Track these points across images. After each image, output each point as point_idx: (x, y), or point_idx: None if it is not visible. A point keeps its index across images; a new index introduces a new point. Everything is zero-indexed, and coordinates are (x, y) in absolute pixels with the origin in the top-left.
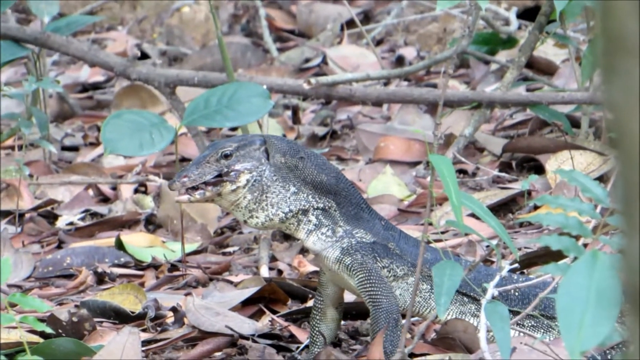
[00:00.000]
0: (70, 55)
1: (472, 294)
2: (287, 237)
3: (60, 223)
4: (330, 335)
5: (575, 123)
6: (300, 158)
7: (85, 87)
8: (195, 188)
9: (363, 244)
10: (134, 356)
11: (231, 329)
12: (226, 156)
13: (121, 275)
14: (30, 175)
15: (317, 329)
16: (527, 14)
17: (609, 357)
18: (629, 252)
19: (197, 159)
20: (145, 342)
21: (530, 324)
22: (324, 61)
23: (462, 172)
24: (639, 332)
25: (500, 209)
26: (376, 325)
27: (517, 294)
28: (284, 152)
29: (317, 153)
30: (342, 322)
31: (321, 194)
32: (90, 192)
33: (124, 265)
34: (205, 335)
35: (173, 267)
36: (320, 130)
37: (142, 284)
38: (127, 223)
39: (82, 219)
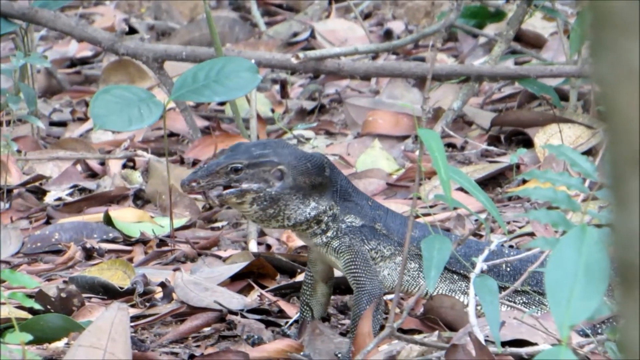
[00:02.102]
0: (58, 30)
1: (462, 271)
2: None
3: (49, 199)
4: (321, 310)
5: (563, 96)
6: (325, 177)
7: (74, 62)
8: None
9: (352, 229)
10: (122, 332)
11: (220, 304)
12: (236, 170)
13: (110, 251)
14: (19, 151)
15: (306, 303)
16: None
17: (598, 331)
18: (617, 226)
19: (210, 164)
20: (134, 318)
21: (522, 300)
22: (312, 35)
23: (450, 145)
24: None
25: (489, 182)
26: (357, 307)
27: (508, 269)
28: (310, 174)
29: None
30: (332, 297)
31: (330, 200)
32: (79, 167)
33: (113, 241)
34: (194, 310)
35: (161, 242)
36: (309, 105)
37: (130, 260)
38: (116, 198)
39: (71, 194)
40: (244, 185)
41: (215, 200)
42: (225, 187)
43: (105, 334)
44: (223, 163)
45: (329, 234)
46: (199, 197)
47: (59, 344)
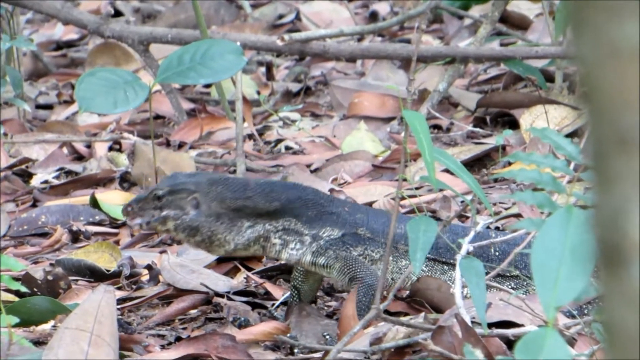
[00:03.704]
0: (44, 13)
1: (452, 260)
2: None
3: (35, 181)
4: (310, 295)
5: (549, 77)
6: (247, 198)
7: (59, 45)
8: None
9: (332, 241)
10: (109, 314)
11: (206, 287)
12: (158, 198)
13: (96, 233)
14: (5, 134)
15: (295, 287)
16: None
17: (585, 312)
18: (600, 206)
19: (144, 192)
20: (120, 300)
21: (510, 285)
22: (298, 17)
23: (436, 127)
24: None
25: (475, 164)
26: (359, 301)
27: (497, 254)
28: (224, 199)
29: (266, 180)
30: None
31: (278, 217)
32: (65, 150)
33: (99, 223)
34: (180, 292)
35: None
36: (294, 87)
37: (117, 242)
38: (102, 181)
39: (57, 177)
40: (164, 213)
41: (144, 226)
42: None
43: (92, 317)
44: (150, 190)
45: (292, 245)
46: (133, 224)
47: (46, 327)
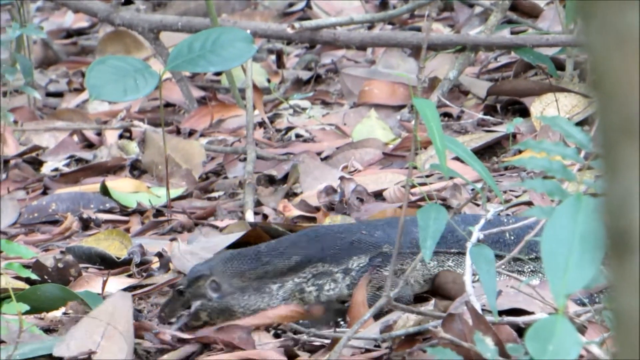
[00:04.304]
0: (54, 1)
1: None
2: (272, 182)
3: (45, 169)
4: None
5: (559, 66)
6: (265, 264)
7: (70, 33)
8: None
9: (362, 269)
10: (125, 315)
11: None
12: (181, 293)
13: (106, 221)
14: (15, 122)
15: None
16: None
17: (596, 300)
18: (608, 193)
19: (170, 295)
20: (130, 288)
21: (529, 269)
22: (308, 5)
23: (446, 115)
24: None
25: (485, 152)
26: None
27: (512, 237)
28: (243, 272)
29: (276, 240)
30: None
31: (303, 268)
32: (75, 138)
33: (109, 211)
34: None
35: (158, 212)
36: (305, 75)
37: (127, 230)
38: (112, 169)
39: (67, 164)
40: (192, 307)
41: (184, 329)
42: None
43: (108, 315)
44: (172, 290)
45: (326, 287)
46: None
47: (56, 314)
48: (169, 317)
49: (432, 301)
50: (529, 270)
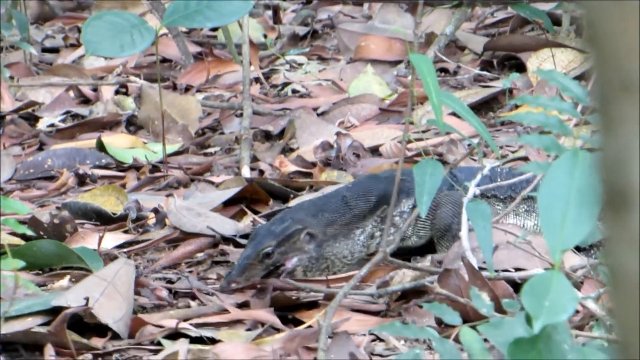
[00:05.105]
0: None
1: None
2: (268, 137)
3: (41, 125)
4: None
5: (556, 21)
6: (351, 209)
7: None
8: None
9: (406, 213)
10: (127, 281)
11: (213, 230)
12: (268, 255)
13: (102, 177)
14: (11, 77)
15: None
16: None
17: (592, 256)
18: (605, 149)
19: (240, 261)
20: (126, 244)
21: (523, 209)
22: None
23: (443, 70)
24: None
25: (482, 107)
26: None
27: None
28: (335, 221)
29: (351, 183)
30: None
31: (375, 211)
32: (71, 93)
33: (105, 167)
34: (186, 236)
35: (154, 168)
36: (301, 30)
37: (123, 185)
38: (108, 124)
39: (63, 120)
40: (288, 265)
41: (280, 283)
42: (268, 274)
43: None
44: (252, 254)
45: (397, 231)
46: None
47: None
48: (244, 284)
49: (429, 257)
50: (524, 210)
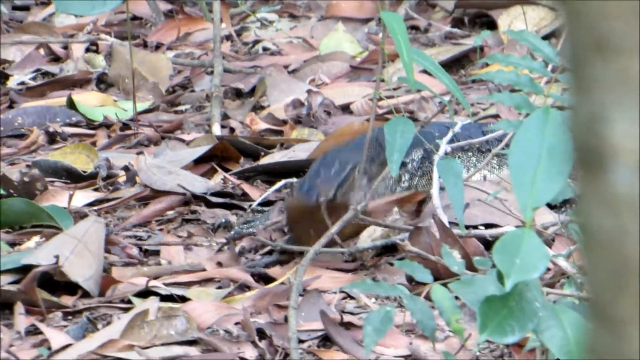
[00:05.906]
0: None
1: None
2: (239, 95)
3: (12, 83)
4: None
5: None
6: (384, 149)
7: None
8: None
9: (420, 160)
10: (97, 240)
11: (183, 188)
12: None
13: (73, 135)
14: None
15: None
16: None
17: (563, 213)
18: (577, 109)
19: (331, 176)
20: (97, 202)
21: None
22: None
23: (414, 28)
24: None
25: (453, 65)
26: None
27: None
28: (374, 159)
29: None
30: None
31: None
32: (42, 51)
33: (76, 125)
34: (157, 194)
35: (125, 126)
36: None
37: (93, 143)
38: (79, 82)
39: (34, 78)
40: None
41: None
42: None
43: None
44: (345, 171)
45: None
46: None
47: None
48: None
49: (395, 210)
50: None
